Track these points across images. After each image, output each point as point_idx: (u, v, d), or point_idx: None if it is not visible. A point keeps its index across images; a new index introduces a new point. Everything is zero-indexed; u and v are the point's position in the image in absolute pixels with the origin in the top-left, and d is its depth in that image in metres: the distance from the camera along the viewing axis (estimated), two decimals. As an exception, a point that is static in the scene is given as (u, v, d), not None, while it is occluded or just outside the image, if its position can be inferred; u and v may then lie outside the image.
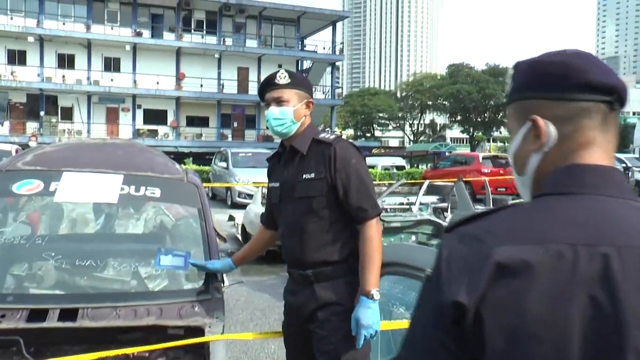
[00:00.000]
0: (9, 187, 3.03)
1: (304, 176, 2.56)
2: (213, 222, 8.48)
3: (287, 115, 2.60)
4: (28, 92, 36.59)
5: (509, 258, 0.85)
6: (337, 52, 45.29)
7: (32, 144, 13.98)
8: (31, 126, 36.41)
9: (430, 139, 72.63)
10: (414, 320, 0.96)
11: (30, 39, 35.53)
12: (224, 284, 2.99)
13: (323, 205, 2.51)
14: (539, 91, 1.02)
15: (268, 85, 2.65)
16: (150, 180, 3.22)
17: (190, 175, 3.46)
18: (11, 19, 35.64)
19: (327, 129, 2.79)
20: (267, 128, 2.72)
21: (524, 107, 1.05)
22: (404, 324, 2.90)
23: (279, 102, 2.61)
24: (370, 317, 2.39)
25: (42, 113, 36.73)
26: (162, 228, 3.34)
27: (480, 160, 19.89)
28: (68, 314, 2.46)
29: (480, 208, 7.78)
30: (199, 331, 2.52)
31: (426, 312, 0.92)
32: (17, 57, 36.39)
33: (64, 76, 36.46)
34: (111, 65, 38.39)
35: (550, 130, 1.00)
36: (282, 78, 2.61)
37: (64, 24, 36.82)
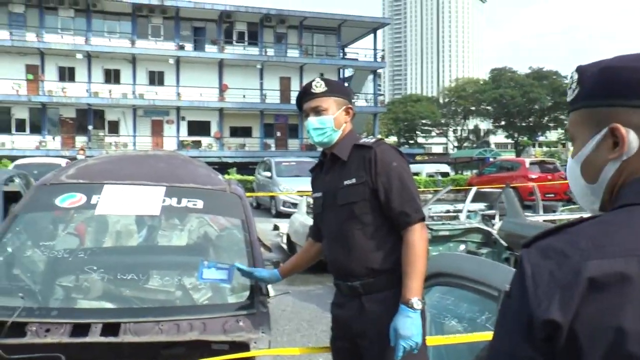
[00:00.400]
0: (53, 200, 3.05)
1: (345, 182, 2.47)
2: (257, 232, 8.44)
3: (327, 124, 2.53)
4: (77, 107, 37.68)
5: (601, 273, 0.82)
6: (379, 60, 45.07)
7: (80, 157, 14.30)
8: (80, 140, 37.37)
9: (474, 145, 71.62)
10: (498, 339, 0.93)
11: (79, 55, 36.60)
12: (269, 295, 2.91)
13: (366, 210, 2.42)
14: (617, 98, 0.98)
15: (305, 95, 2.59)
16: (192, 191, 3.18)
17: (233, 186, 3.40)
18: (62, 37, 36.91)
19: (369, 136, 2.69)
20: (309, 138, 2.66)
21: (598, 114, 1.01)
22: (456, 338, 2.76)
23: (317, 111, 2.55)
24: (410, 328, 2.25)
25: (90, 127, 37.73)
26: (205, 240, 3.30)
27: (527, 165, 19.45)
28: (110, 329, 2.44)
29: (529, 215, 7.53)
30: (244, 346, 2.44)
31: (512, 330, 0.88)
32: (67, 74, 37.54)
33: (110, 91, 37.42)
34: (155, 78, 39.16)
35: (630, 138, 0.96)
36: (319, 86, 2.55)
37: (109, 40, 37.84)
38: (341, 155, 2.53)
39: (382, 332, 2.34)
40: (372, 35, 44.21)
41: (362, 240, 2.43)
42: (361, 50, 46.51)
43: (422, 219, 2.42)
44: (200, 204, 3.11)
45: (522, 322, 0.86)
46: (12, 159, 24.59)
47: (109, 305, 2.76)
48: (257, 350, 2.39)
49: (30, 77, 36.76)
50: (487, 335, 2.74)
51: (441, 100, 78.60)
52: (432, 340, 2.70)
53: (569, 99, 1.08)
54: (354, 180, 2.44)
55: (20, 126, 37.23)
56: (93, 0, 36.75)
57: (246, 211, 3.20)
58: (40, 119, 37.26)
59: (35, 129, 37.28)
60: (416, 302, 2.28)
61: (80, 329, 2.43)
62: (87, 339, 2.39)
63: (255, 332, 2.51)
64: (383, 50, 49.31)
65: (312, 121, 2.55)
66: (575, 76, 1.06)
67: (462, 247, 6.38)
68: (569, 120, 1.10)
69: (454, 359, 3.38)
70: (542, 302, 0.83)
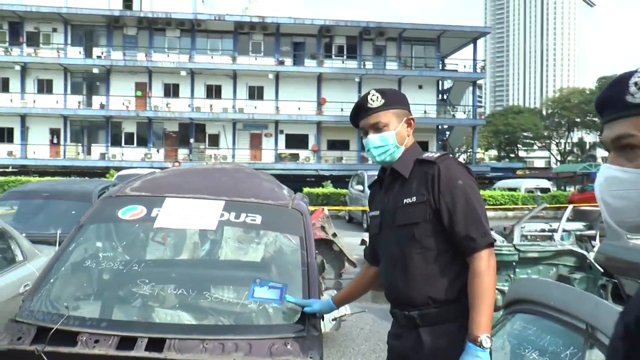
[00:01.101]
0: (116, 212, 3.10)
1: (405, 201, 2.24)
2: (344, 246, 8.27)
3: (389, 141, 2.31)
4: (180, 121, 39.62)
5: None
6: (479, 70, 44.00)
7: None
8: (182, 152, 39.29)
9: (579, 159, 68.22)
10: None
11: (183, 73, 38.64)
12: (323, 319, 2.75)
13: (427, 233, 2.18)
14: None
15: (361, 111, 2.37)
16: (251, 206, 3.11)
17: (297, 202, 3.28)
18: (167, 56, 39.16)
19: (438, 143, 2.45)
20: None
21: None
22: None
23: (377, 128, 2.32)
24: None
25: (191, 140, 39.56)
26: (260, 256, 3.21)
27: (637, 180, 18.07)
28: (156, 344, 2.41)
29: (633, 237, 6.91)
30: None
31: None
32: (171, 90, 39.65)
33: (211, 105, 39.07)
34: (255, 93, 40.39)
35: None
36: (376, 100, 2.33)
37: (212, 57, 39.57)
38: (402, 171, 2.30)
39: None
40: (472, 46, 43.26)
41: (423, 265, 2.19)
42: (461, 61, 45.60)
43: (491, 245, 2.15)
44: (258, 219, 3.03)
45: None
46: (120, 169, 26.10)
47: (157, 319, 2.74)
48: None
49: (139, 93, 39.34)
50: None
51: (544, 112, 75.68)
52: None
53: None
54: (414, 199, 2.21)
55: (129, 139, 39.84)
56: (198, 20, 38.49)
57: (307, 229, 3.07)
58: (146, 133, 39.58)
59: (142, 142, 39.66)
60: (485, 340, 2.04)
61: (127, 343, 2.42)
62: (132, 353, 2.37)
63: (303, 357, 2.37)
64: (484, 60, 48.01)
65: (372, 139, 2.33)
66: None
67: (553, 270, 5.91)
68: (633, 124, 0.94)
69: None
70: None
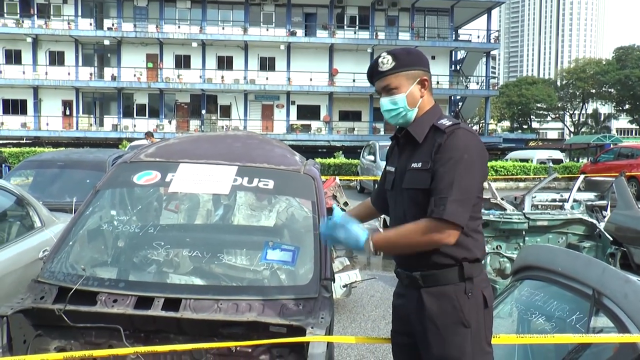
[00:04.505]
0: (131, 177, 3.15)
1: (413, 165, 2.25)
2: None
3: (400, 104, 2.30)
4: (191, 92, 39.55)
5: None
6: (492, 41, 43.39)
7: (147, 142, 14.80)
8: (194, 124, 39.39)
9: (593, 131, 67.39)
10: None
11: (194, 44, 38.47)
12: (334, 281, 2.82)
13: (427, 200, 2.16)
14: None
15: (373, 74, 2.36)
16: (264, 171, 3.15)
17: (308, 167, 3.33)
18: (178, 27, 38.92)
19: (450, 113, 2.36)
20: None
21: None
22: (542, 339, 2.52)
23: (388, 91, 2.31)
24: (331, 228, 2.24)
25: (203, 111, 39.56)
26: (272, 221, 3.26)
27: (650, 152, 17.80)
28: (172, 304, 2.48)
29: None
30: (300, 331, 2.37)
31: None
32: (182, 62, 39.49)
33: (222, 77, 38.96)
34: (266, 64, 40.15)
35: None
36: (386, 63, 2.30)
37: (223, 28, 39.28)
38: (416, 135, 2.29)
39: (441, 330, 2.17)
40: (486, 16, 42.60)
41: None
42: (474, 31, 44.99)
43: (444, 221, 2.08)
44: (271, 184, 3.07)
45: None
46: (133, 140, 26.29)
47: (173, 280, 2.81)
48: (313, 335, 2.31)
49: (150, 65, 39.24)
50: (576, 338, 2.49)
51: (558, 83, 74.60)
52: (503, 339, 2.48)
53: None
54: (420, 165, 2.22)
55: (141, 111, 39.90)
56: (208, -9, 38.26)
57: (318, 193, 3.12)
58: (158, 104, 39.61)
59: (154, 113, 39.73)
60: (369, 245, 2.17)
61: (144, 302, 2.49)
62: (149, 312, 2.45)
63: (314, 317, 2.43)
64: (498, 31, 47.20)
65: (384, 102, 2.33)
66: None
67: (562, 239, 5.93)
68: None
69: (540, 359, 3.14)
70: None
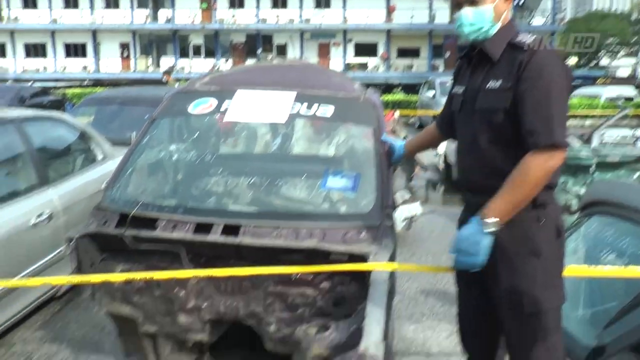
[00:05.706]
0: (186, 106, 3.11)
1: (489, 85, 2.06)
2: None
3: (486, 16, 2.08)
4: (247, 32, 39.40)
5: None
6: (559, -29, 41.13)
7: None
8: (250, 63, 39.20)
9: (671, 67, 63.63)
10: None
11: (249, -17, 37.86)
12: (395, 208, 2.73)
13: (505, 122, 2.01)
14: None
15: None
16: (323, 97, 3.04)
17: (368, 94, 3.20)
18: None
19: (528, 31, 2.15)
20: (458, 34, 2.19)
21: None
22: (610, 271, 2.38)
23: (472, 1, 2.09)
24: (466, 242, 1.97)
25: (259, 51, 39.38)
26: (332, 148, 3.18)
27: None
28: (231, 230, 2.46)
29: None
30: (362, 259, 2.30)
31: None
32: (237, 2, 39.25)
33: (277, 16, 38.52)
34: (322, 2, 39.40)
35: None
36: None
37: (277, -35, 38.52)
38: (492, 53, 2.09)
39: (512, 260, 2.05)
40: (553, -57, 40.30)
41: (495, 154, 2.06)
42: (539, -39, 42.61)
43: (555, 146, 1.93)
44: (330, 110, 2.96)
45: None
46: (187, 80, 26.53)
47: (231, 207, 2.78)
48: (375, 263, 2.24)
49: (204, 6, 39.09)
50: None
51: (633, 17, 70.32)
52: (573, 271, 2.36)
53: None
54: (498, 85, 2.03)
55: (197, 51, 40.15)
56: None
57: (379, 120, 3.00)
58: (213, 45, 39.67)
59: (210, 54, 39.90)
60: (493, 223, 1.95)
61: (203, 228, 2.48)
62: (208, 238, 2.44)
63: (376, 245, 2.35)
64: (564, -39, 44.71)
65: (466, 14, 2.10)
66: None
67: (636, 175, 5.63)
68: None
69: (610, 298, 2.99)
70: None
